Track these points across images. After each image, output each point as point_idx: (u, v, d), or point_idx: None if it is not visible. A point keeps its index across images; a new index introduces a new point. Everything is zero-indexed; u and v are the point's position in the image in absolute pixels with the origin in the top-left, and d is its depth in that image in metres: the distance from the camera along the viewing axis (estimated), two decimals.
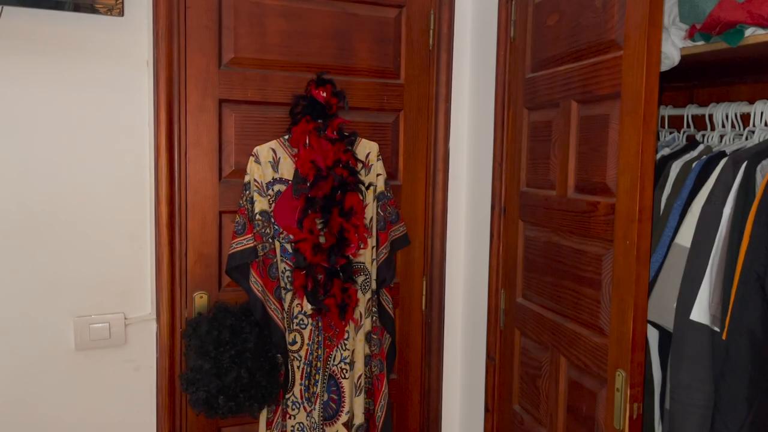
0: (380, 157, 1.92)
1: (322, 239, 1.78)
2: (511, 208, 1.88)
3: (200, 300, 1.84)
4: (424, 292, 2.15)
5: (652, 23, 1.21)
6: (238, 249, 1.76)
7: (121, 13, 1.67)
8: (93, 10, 1.63)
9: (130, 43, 1.74)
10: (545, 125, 1.69)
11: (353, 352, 1.87)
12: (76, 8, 1.62)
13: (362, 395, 1.89)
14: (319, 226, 1.77)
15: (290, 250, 1.78)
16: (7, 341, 1.69)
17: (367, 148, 1.89)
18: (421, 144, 2.09)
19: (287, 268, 1.80)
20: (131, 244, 1.79)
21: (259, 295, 1.77)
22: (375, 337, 1.93)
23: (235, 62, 1.83)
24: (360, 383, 1.88)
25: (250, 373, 1.69)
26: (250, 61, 1.85)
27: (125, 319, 1.80)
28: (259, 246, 1.77)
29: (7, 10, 1.60)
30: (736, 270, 1.29)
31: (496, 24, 1.93)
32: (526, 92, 1.79)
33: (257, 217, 1.76)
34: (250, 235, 1.76)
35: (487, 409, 2.01)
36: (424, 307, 2.16)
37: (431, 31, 2.06)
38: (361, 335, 1.87)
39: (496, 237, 1.95)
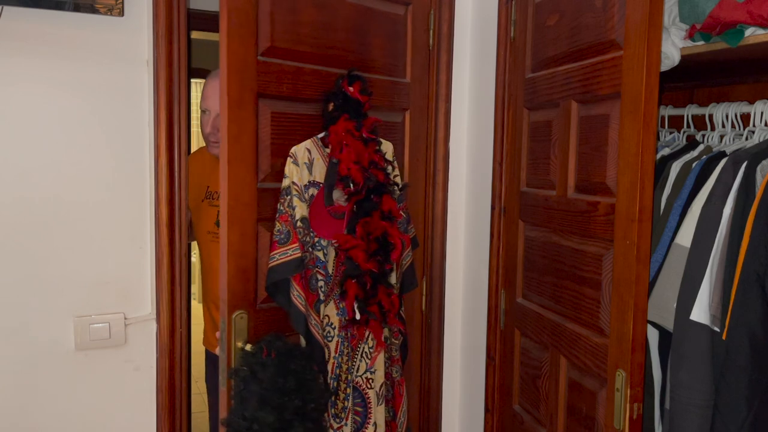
0: (395, 157, 1.84)
1: None
2: (511, 208, 1.88)
3: (240, 321, 1.58)
4: (424, 292, 2.14)
5: (652, 23, 1.21)
6: (283, 260, 1.57)
7: (121, 13, 1.67)
8: (93, 10, 1.63)
9: (130, 43, 1.74)
10: (545, 125, 1.69)
11: (376, 360, 1.79)
12: (76, 8, 1.62)
13: (383, 404, 1.82)
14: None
15: (323, 259, 1.66)
16: (7, 341, 1.69)
17: (385, 148, 1.80)
18: (421, 144, 2.08)
19: (320, 278, 1.66)
20: (131, 244, 1.79)
21: (303, 310, 1.60)
22: (396, 341, 1.86)
23: (271, 52, 1.62)
24: (382, 392, 1.80)
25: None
26: (284, 52, 1.64)
27: (125, 319, 1.80)
28: (305, 256, 1.61)
29: (7, 10, 1.60)
30: (736, 270, 1.29)
31: (496, 24, 1.93)
32: (526, 92, 1.79)
33: (298, 224, 1.59)
34: (296, 244, 1.57)
35: (487, 409, 2.01)
36: (424, 307, 2.15)
37: (431, 31, 2.05)
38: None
39: (496, 237, 1.95)
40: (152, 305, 1.82)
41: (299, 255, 1.58)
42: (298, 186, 1.60)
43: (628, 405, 1.27)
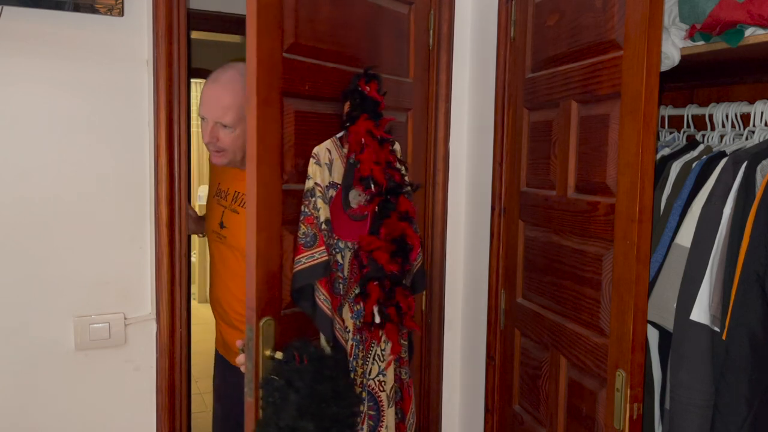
0: (402, 157, 1.82)
1: None
2: (511, 208, 1.88)
3: (268, 328, 1.50)
4: (424, 293, 2.14)
5: (652, 23, 1.21)
6: (309, 264, 1.52)
7: (121, 13, 1.67)
8: (93, 10, 1.63)
9: (130, 43, 1.74)
10: (545, 125, 1.69)
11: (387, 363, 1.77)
12: (76, 8, 1.62)
13: (393, 406, 1.80)
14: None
15: (341, 262, 1.63)
16: (7, 341, 1.69)
17: (396, 148, 1.77)
18: (421, 144, 2.08)
19: (339, 280, 1.65)
20: (131, 244, 1.79)
21: (329, 313, 1.55)
22: (404, 343, 1.84)
23: (295, 49, 1.56)
24: (392, 394, 1.78)
25: None
26: (306, 49, 1.59)
27: (125, 319, 1.79)
28: (331, 259, 1.57)
29: (7, 10, 1.59)
30: (736, 270, 1.29)
31: (496, 24, 1.93)
32: (526, 92, 1.79)
33: (323, 226, 1.54)
34: (322, 247, 1.53)
35: (487, 409, 2.01)
36: (424, 307, 2.15)
37: (431, 31, 2.05)
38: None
39: (496, 237, 1.95)
40: (152, 305, 1.82)
41: (326, 258, 1.54)
42: (321, 187, 1.56)
43: (628, 405, 1.27)
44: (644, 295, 1.27)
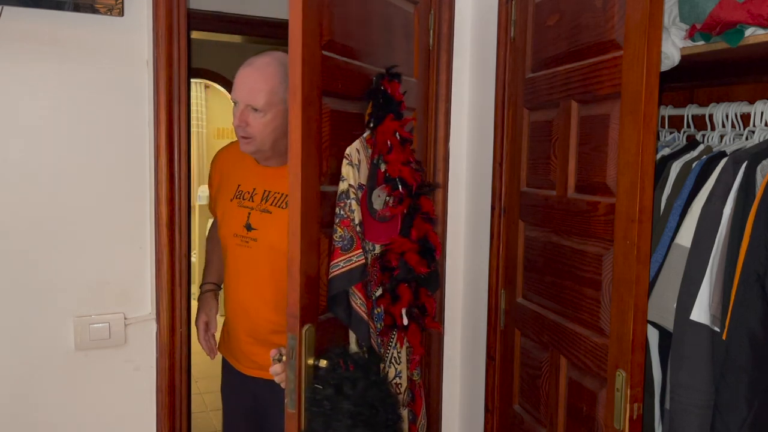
0: None
1: None
2: (511, 208, 1.88)
3: (309, 336, 1.43)
4: None
5: (652, 23, 1.21)
6: (347, 268, 1.49)
7: (121, 13, 1.67)
8: (93, 10, 1.63)
9: (130, 43, 1.74)
10: (545, 125, 1.69)
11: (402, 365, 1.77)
12: (76, 8, 1.62)
13: (406, 408, 1.79)
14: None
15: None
16: (7, 341, 1.69)
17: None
18: (422, 144, 2.08)
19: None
20: (131, 244, 1.79)
21: (366, 318, 1.53)
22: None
23: (330, 47, 1.52)
24: (405, 396, 1.77)
25: None
26: (339, 47, 1.55)
27: (125, 319, 1.80)
28: (367, 262, 1.54)
29: (7, 10, 1.59)
30: (736, 270, 1.29)
31: (496, 24, 1.93)
32: (526, 92, 1.79)
33: (358, 228, 1.51)
34: (359, 250, 1.50)
35: (487, 409, 2.01)
36: None
37: (431, 32, 2.05)
38: (406, 345, 1.76)
39: (496, 237, 1.95)
40: (152, 305, 1.82)
41: (363, 261, 1.50)
42: (354, 189, 1.53)
43: (628, 405, 1.27)
44: (644, 295, 1.27)
